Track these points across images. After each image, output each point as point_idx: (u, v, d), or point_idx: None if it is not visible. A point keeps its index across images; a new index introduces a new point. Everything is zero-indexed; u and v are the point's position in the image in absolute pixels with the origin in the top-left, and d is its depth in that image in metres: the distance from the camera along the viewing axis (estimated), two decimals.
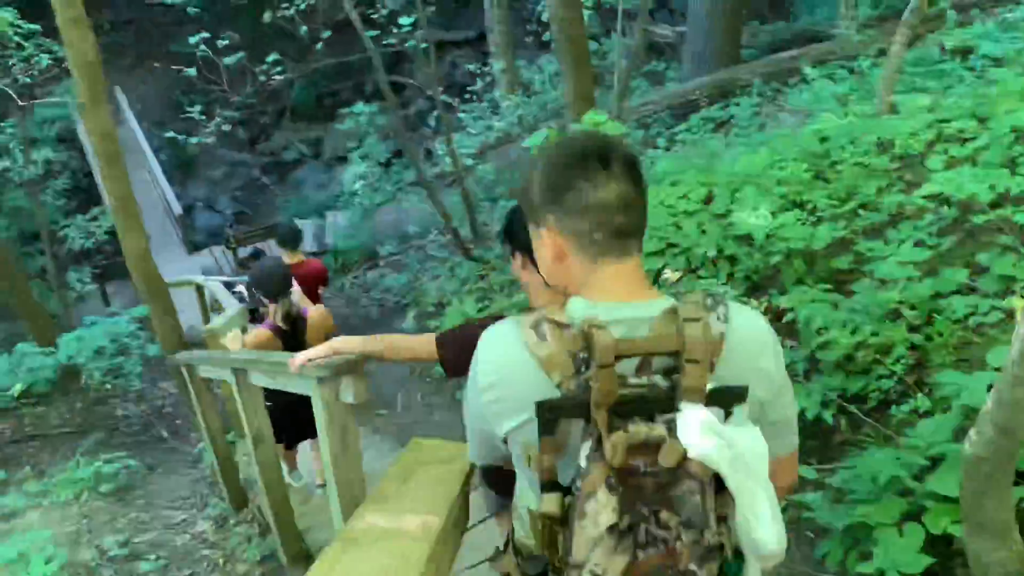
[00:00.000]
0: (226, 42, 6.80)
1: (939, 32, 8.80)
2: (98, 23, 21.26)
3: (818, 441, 3.42)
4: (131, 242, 5.14)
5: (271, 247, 15.53)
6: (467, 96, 14.82)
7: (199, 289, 9.96)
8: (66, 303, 10.13)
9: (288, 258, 5.42)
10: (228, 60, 6.48)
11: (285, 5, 6.71)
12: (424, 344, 2.26)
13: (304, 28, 7.00)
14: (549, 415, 1.17)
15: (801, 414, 3.20)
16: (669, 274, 4.59)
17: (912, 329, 3.35)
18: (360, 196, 13.24)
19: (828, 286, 3.90)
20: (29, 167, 9.83)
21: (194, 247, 17.74)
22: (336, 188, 18.12)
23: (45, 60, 8.37)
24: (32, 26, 8.09)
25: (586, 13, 8.39)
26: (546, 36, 14.51)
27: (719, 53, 11.46)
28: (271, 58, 6.64)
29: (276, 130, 21.18)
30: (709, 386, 1.15)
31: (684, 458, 1.11)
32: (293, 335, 3.99)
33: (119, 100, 19.04)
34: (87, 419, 7.91)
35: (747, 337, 1.26)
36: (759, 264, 4.30)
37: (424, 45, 7.20)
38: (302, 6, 7.26)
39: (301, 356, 2.46)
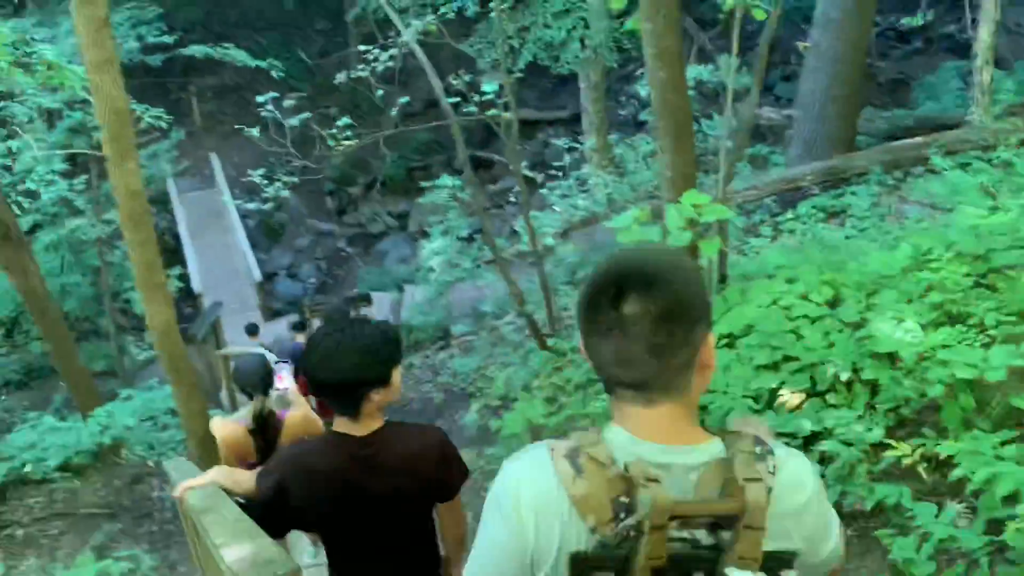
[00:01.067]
0: (293, 103, 6.29)
1: None
2: (202, 89, 22.02)
3: None
4: (156, 315, 4.50)
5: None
6: (553, 173, 14.28)
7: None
8: (121, 368, 9.71)
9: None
10: (292, 121, 5.94)
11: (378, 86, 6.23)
12: (249, 480, 2.22)
13: (404, 100, 6.46)
14: (580, 568, 1.10)
15: None
16: (787, 396, 3.63)
17: None
18: (437, 272, 12.65)
19: (1012, 433, 2.88)
20: (99, 225, 9.59)
21: (273, 314, 17.57)
22: (416, 263, 17.75)
23: None
24: None
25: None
26: (642, 115, 13.89)
27: (832, 138, 10.56)
28: (342, 121, 6.06)
29: (365, 202, 21.13)
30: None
31: None
32: (263, 437, 3.74)
33: (213, 166, 19.33)
34: (119, 499, 7.29)
35: (793, 493, 1.16)
36: (910, 394, 3.30)
37: (507, 117, 6.54)
38: (379, 93, 6.73)
39: (182, 484, 2.25)
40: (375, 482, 2.11)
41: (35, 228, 12.55)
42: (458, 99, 6.82)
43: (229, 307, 14.29)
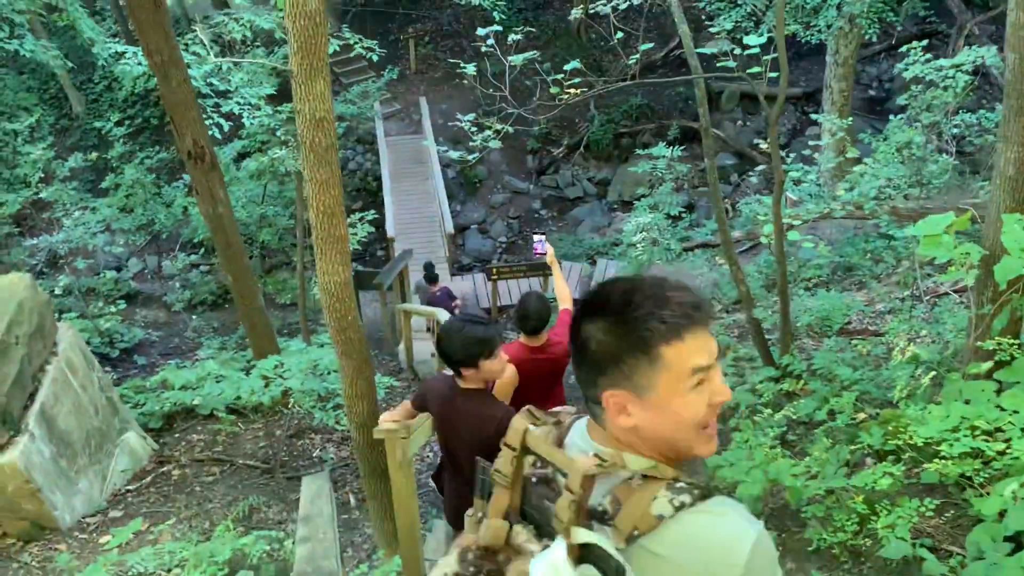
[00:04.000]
0: (518, 38, 5.31)
1: None
2: (420, 34, 21.81)
3: None
4: (329, 272, 3.71)
5: (532, 285, 14.33)
6: (787, 155, 12.61)
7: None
8: (304, 307, 9.35)
9: (527, 340, 4.15)
10: (514, 59, 4.96)
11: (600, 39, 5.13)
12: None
13: (647, 46, 5.32)
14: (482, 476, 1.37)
15: None
16: None
17: None
18: (639, 249, 11.48)
19: None
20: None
21: (460, 268, 17.14)
22: (612, 234, 16.62)
23: (335, 44, 7.48)
24: None
25: None
26: (900, 99, 11.87)
27: None
28: (570, 65, 5.00)
29: (565, 164, 20.19)
30: (594, 539, 1.10)
31: None
32: None
33: (422, 111, 19.03)
34: (279, 453, 6.81)
35: (683, 546, 1.13)
36: None
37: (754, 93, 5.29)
38: (619, 35, 5.61)
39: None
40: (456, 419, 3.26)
41: (244, 156, 12.60)
42: (713, 52, 5.58)
43: (418, 255, 13.87)
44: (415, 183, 17.40)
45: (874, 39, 15.45)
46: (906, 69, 10.34)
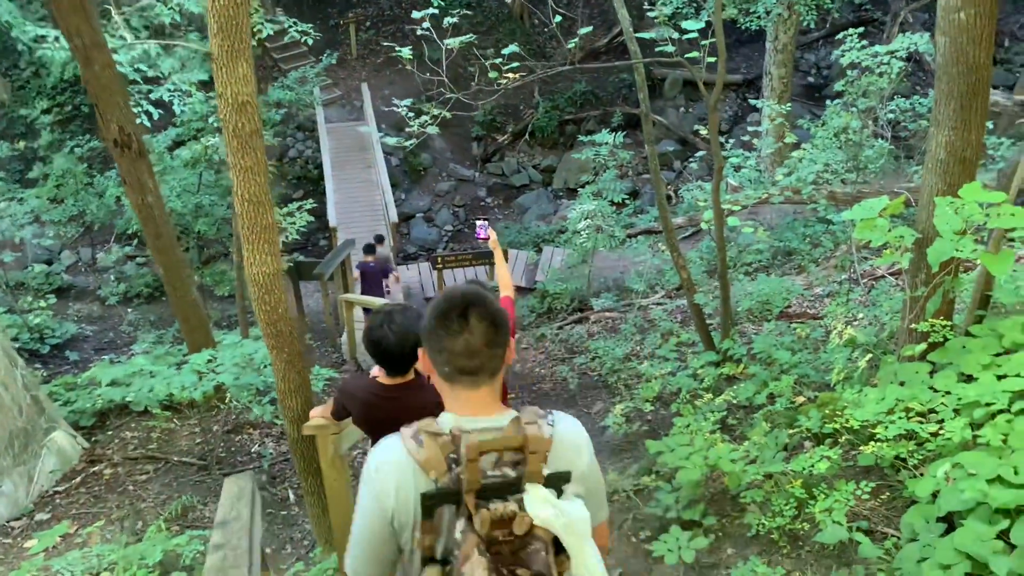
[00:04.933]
0: (454, 21, 5.19)
1: None
2: (360, 19, 21.42)
3: None
4: (258, 264, 3.56)
5: (478, 273, 14.23)
6: (727, 141, 12.70)
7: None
8: (242, 303, 9.10)
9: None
10: (450, 42, 4.85)
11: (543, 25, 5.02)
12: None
13: (585, 30, 5.20)
14: (429, 503, 1.55)
15: None
16: None
17: None
18: (584, 237, 11.46)
19: None
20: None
21: (405, 257, 16.94)
22: (558, 222, 16.60)
23: (268, 29, 7.24)
24: None
25: None
26: (837, 86, 12.02)
27: None
28: (508, 50, 4.91)
29: (511, 152, 20.09)
30: (545, 472, 1.57)
31: (532, 526, 1.51)
32: None
33: (364, 97, 18.71)
34: (215, 449, 6.61)
35: (568, 438, 1.70)
36: None
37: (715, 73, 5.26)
38: (558, 19, 5.50)
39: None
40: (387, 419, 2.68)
41: (180, 144, 12.20)
42: (650, 36, 5.53)
43: (362, 245, 13.63)
44: (357, 171, 17.11)
45: (812, 26, 15.70)
46: (843, 55, 10.48)
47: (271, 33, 8.65)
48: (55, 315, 12.30)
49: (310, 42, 7.75)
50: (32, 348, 10.49)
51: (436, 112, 5.13)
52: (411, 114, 5.51)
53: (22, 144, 16.23)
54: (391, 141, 5.47)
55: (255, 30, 7.89)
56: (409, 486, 1.56)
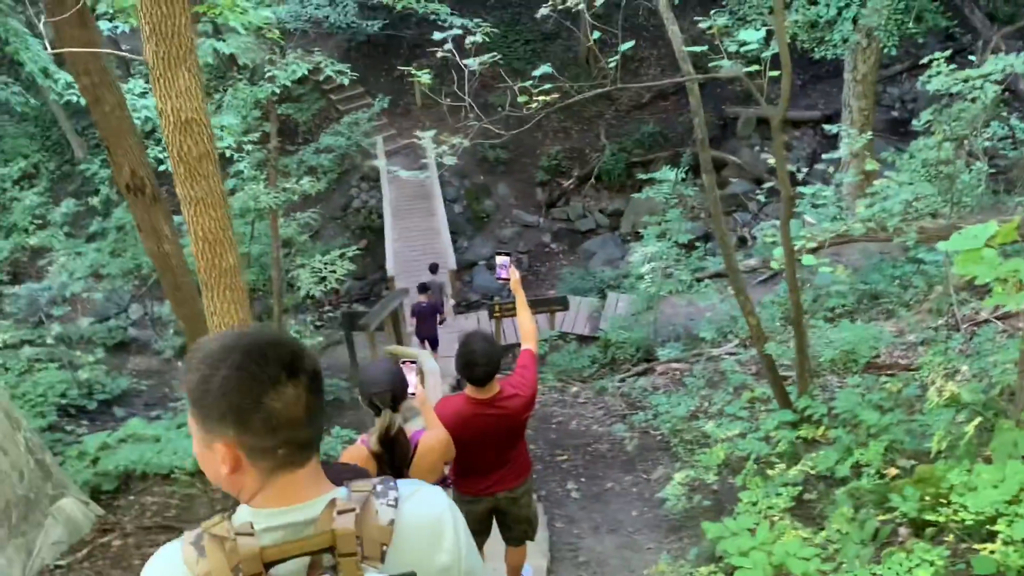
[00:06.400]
0: (476, 40, 4.66)
1: None
2: (421, 67, 21.39)
3: None
4: (220, 312, 3.03)
5: (538, 323, 13.57)
6: (802, 180, 11.84)
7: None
8: None
9: (473, 392, 3.52)
10: (471, 63, 4.30)
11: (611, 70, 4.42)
12: None
13: (627, 46, 4.58)
14: None
15: None
16: None
17: None
18: (648, 281, 10.70)
19: None
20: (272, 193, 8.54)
21: (467, 306, 16.42)
22: (625, 266, 15.85)
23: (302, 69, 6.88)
24: None
25: None
26: (916, 123, 11.01)
27: None
28: (539, 71, 4.33)
29: (576, 196, 19.51)
30: None
31: None
32: (390, 461, 3.03)
33: (425, 146, 18.47)
34: None
35: (418, 523, 1.26)
36: None
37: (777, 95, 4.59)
38: (596, 35, 4.90)
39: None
40: None
41: (233, 191, 12.04)
42: (704, 49, 4.85)
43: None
44: (419, 219, 16.79)
45: (894, 53, 14.71)
46: (928, 81, 9.57)
47: (331, 76, 8.32)
48: (112, 369, 12.17)
49: (346, 82, 7.44)
50: (79, 404, 10.28)
51: (456, 141, 4.57)
52: (433, 145, 4.97)
53: (96, 200, 16.55)
54: (404, 174, 4.98)
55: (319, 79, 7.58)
56: None
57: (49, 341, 12.13)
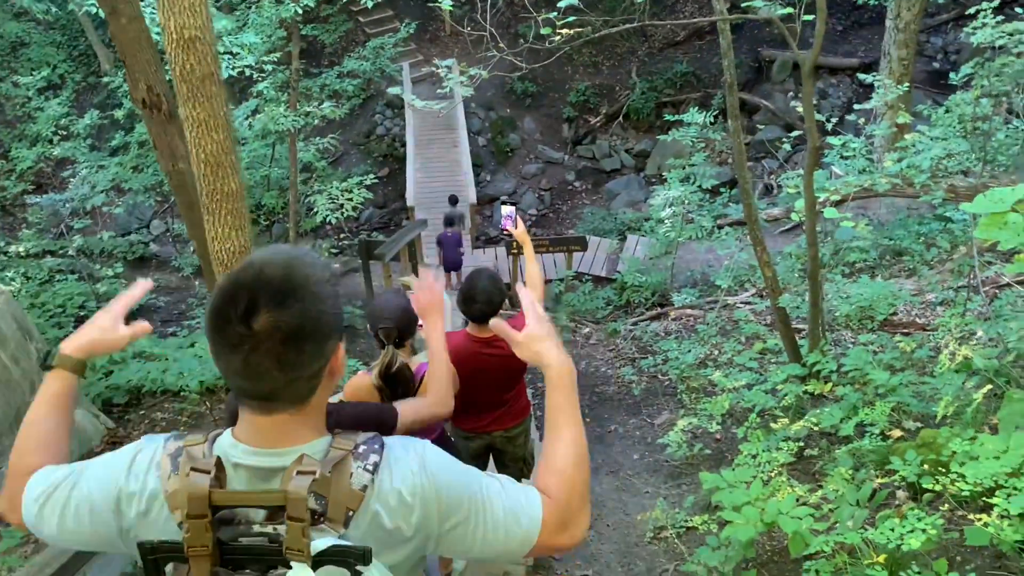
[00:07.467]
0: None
1: None
2: None
3: None
4: (220, 238, 2.97)
5: (556, 262, 13.50)
6: (833, 130, 11.53)
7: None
8: None
9: (473, 330, 3.52)
10: None
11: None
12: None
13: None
14: (150, 556, 1.13)
15: None
16: None
17: None
18: (668, 226, 10.56)
19: None
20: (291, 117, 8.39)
21: (486, 241, 16.35)
22: (648, 209, 15.66)
23: None
24: None
25: None
26: (953, 76, 10.59)
27: None
28: (565, 2, 4.17)
29: (603, 134, 19.16)
30: (325, 544, 1.07)
31: None
32: (392, 396, 2.84)
33: (453, 74, 18.17)
34: None
35: (388, 492, 1.17)
36: None
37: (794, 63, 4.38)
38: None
39: None
40: None
41: (255, 112, 11.93)
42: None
43: (434, 225, 13.12)
44: (442, 150, 16.60)
45: (940, 0, 14.14)
46: (973, 33, 9.18)
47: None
48: (131, 284, 12.28)
49: (370, 4, 7.17)
50: None
51: (474, 72, 4.44)
52: (451, 75, 4.84)
53: (120, 113, 16.48)
54: (418, 104, 4.86)
55: None
56: (158, 521, 1.17)
57: (70, 253, 12.27)
